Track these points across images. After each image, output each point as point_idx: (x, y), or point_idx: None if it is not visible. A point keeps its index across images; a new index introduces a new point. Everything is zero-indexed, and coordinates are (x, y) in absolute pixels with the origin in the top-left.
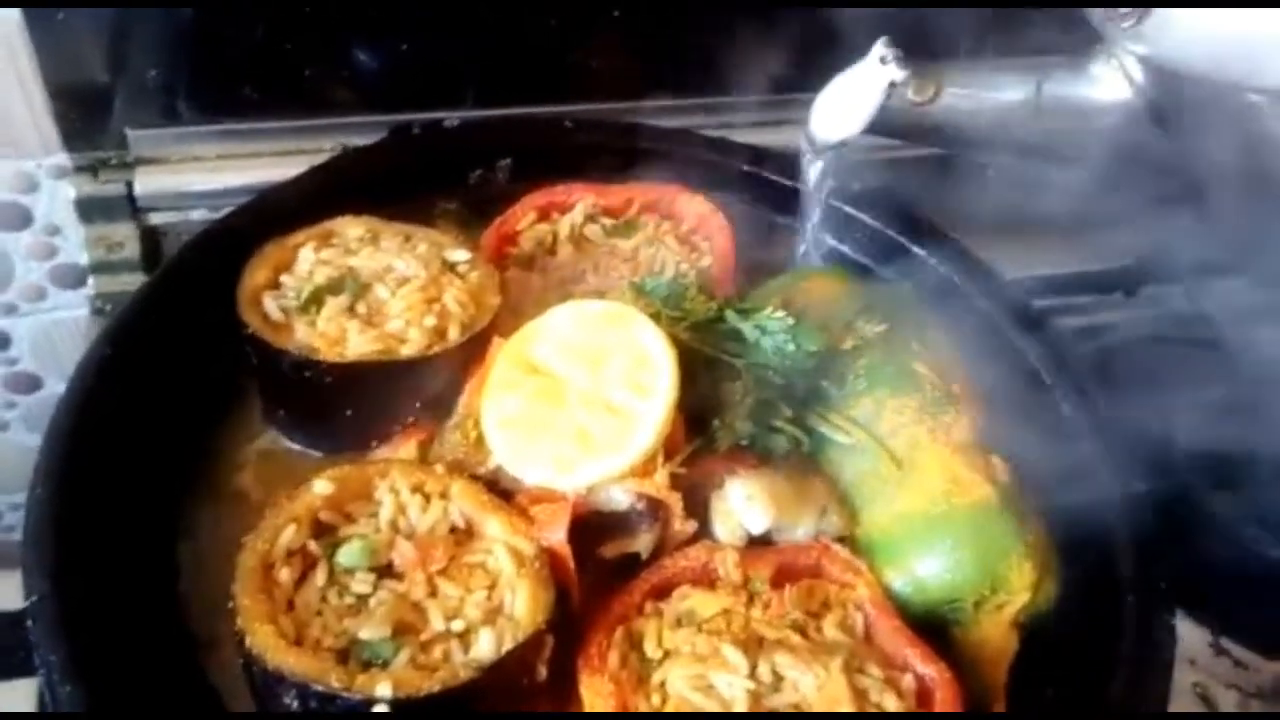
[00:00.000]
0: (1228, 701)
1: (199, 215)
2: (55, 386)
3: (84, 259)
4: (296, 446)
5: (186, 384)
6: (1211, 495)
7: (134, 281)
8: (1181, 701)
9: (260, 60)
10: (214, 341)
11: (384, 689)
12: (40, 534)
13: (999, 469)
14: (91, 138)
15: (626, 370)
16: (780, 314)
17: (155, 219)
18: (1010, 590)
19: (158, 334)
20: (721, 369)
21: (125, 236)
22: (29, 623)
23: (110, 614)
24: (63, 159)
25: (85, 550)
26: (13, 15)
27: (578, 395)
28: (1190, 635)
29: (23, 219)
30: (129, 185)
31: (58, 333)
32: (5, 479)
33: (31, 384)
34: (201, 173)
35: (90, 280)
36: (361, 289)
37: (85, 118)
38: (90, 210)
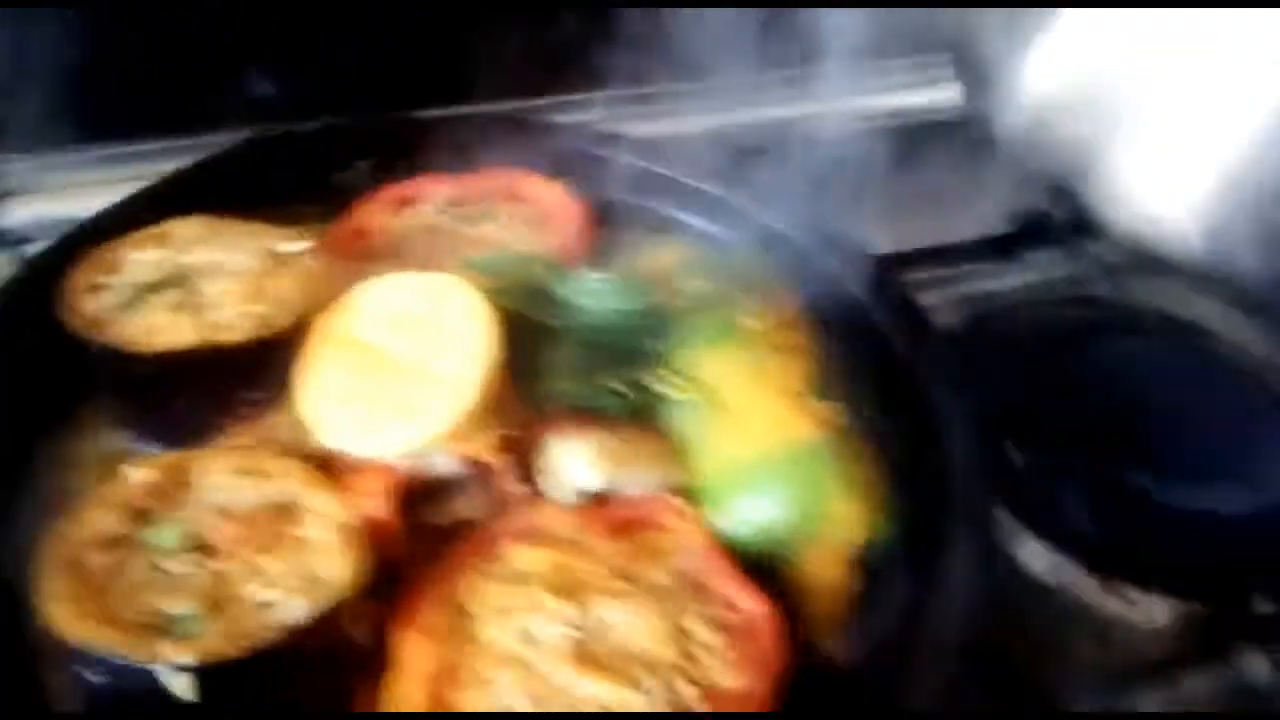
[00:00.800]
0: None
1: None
2: None
3: None
4: (139, 447)
5: (27, 396)
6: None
7: None
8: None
9: (136, 81)
10: (56, 353)
11: (186, 657)
12: None
13: (827, 412)
14: None
15: (442, 336)
16: (598, 275)
17: (32, 250)
18: (839, 528)
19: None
20: (548, 334)
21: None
22: None
23: None
24: None
25: None
26: None
27: (396, 364)
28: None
29: None
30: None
31: None
32: None
33: None
34: (79, 199)
35: None
36: (189, 284)
37: None
38: None
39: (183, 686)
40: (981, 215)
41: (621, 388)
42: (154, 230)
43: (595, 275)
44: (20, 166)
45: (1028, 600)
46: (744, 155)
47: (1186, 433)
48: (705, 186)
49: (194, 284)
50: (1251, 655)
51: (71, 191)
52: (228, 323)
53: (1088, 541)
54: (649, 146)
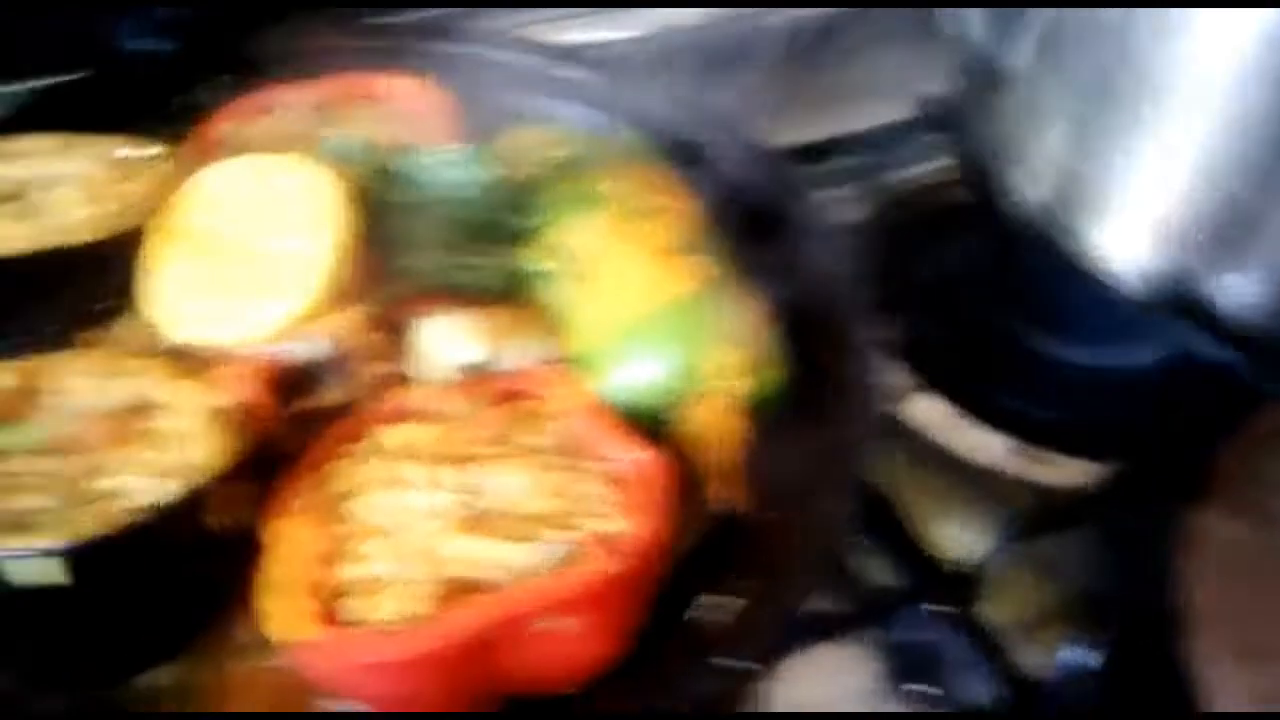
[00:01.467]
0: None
1: None
2: None
3: None
4: None
5: None
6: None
7: None
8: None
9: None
10: None
11: (39, 541)
12: None
13: (702, 266)
14: None
15: (291, 217)
16: (451, 149)
17: None
18: (723, 379)
19: None
20: (408, 212)
21: None
22: None
23: None
24: None
25: None
26: None
27: (242, 249)
28: (987, 441)
29: None
30: None
31: None
32: None
33: None
34: None
35: None
36: (19, 192)
37: None
38: None
39: (52, 571)
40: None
41: (484, 262)
42: None
43: (448, 149)
44: None
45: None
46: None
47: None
48: (565, 72)
49: (34, 195)
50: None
51: None
52: (68, 226)
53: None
54: (504, 37)
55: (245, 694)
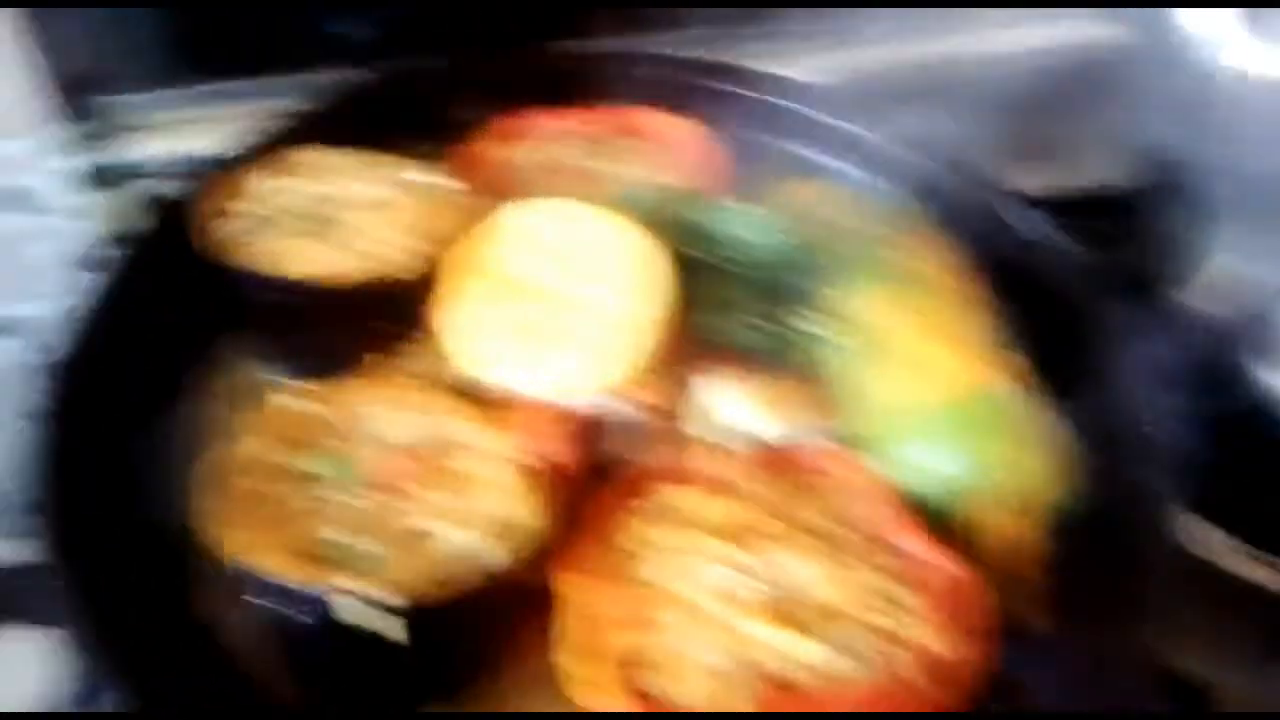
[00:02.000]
0: None
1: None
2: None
3: (86, 234)
4: (278, 378)
5: (162, 332)
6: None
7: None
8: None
9: (251, 18)
10: (191, 294)
11: (386, 597)
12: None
13: (1009, 362)
14: (85, 108)
15: (603, 269)
16: (755, 208)
17: (150, 185)
18: (1024, 486)
19: (138, 292)
20: (704, 271)
21: (124, 205)
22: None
23: (106, 558)
24: (58, 132)
25: (76, 496)
26: None
27: (553, 297)
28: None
29: (24, 200)
30: (123, 153)
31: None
32: None
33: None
34: (194, 136)
35: (97, 255)
36: (321, 212)
37: (78, 88)
38: (89, 182)
39: (391, 627)
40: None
41: (776, 328)
42: (276, 157)
43: (748, 209)
44: (133, 102)
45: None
46: (886, 95)
47: None
48: (846, 126)
49: (327, 212)
50: None
51: (182, 128)
52: (371, 254)
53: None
54: (782, 82)
55: None
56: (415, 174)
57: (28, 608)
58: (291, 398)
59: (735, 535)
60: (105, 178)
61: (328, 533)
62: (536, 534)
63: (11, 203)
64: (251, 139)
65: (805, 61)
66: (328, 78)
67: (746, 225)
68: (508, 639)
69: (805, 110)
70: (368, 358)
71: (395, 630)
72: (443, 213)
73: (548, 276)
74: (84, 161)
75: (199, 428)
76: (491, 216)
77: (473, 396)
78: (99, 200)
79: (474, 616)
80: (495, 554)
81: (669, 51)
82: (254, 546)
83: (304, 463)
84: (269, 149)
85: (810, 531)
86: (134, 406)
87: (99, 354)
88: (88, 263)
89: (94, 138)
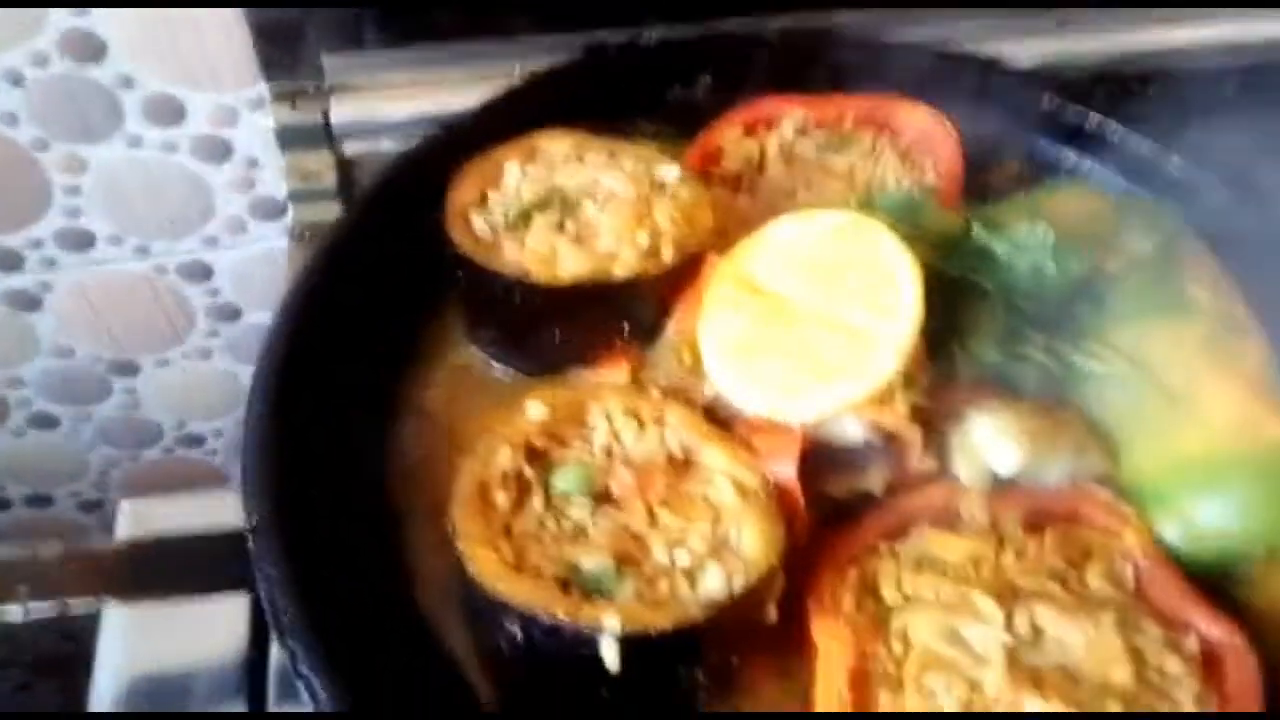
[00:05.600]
0: None
1: (389, 144)
2: (254, 315)
3: (282, 190)
4: (496, 367)
5: (388, 307)
6: None
7: (331, 210)
8: None
9: None
10: (414, 264)
11: (612, 622)
12: (258, 454)
13: None
14: (288, 67)
15: (864, 287)
16: (1039, 230)
17: (349, 147)
18: None
19: (361, 258)
20: (965, 291)
21: (322, 166)
22: (249, 542)
23: (323, 533)
24: (261, 90)
25: (298, 468)
26: None
27: (808, 316)
28: None
29: (223, 152)
30: (325, 114)
31: (257, 264)
32: (211, 404)
33: (233, 314)
34: (393, 100)
35: (289, 210)
36: (570, 206)
37: (281, 47)
38: (288, 140)
39: (607, 652)
40: None
41: (1047, 360)
42: (522, 143)
43: (1027, 227)
44: (339, 66)
45: None
46: (1138, 86)
47: None
48: (1105, 124)
49: (575, 206)
50: None
51: (387, 91)
52: (615, 252)
53: None
54: (1031, 75)
55: None
56: (659, 166)
57: (244, 575)
58: (538, 404)
59: (997, 590)
60: (308, 136)
61: (564, 553)
62: (766, 565)
63: (212, 153)
64: (478, 114)
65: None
66: (535, 43)
67: (1027, 246)
68: (738, 675)
69: (1051, 104)
70: (599, 360)
71: (610, 656)
72: (679, 210)
73: (809, 294)
74: (288, 119)
75: (414, 416)
76: (757, 230)
77: (714, 415)
78: (301, 158)
79: (690, 645)
80: (714, 580)
81: (916, 40)
82: (516, 575)
83: (546, 477)
84: (494, 126)
85: (1077, 591)
86: (358, 387)
87: (318, 325)
88: (284, 217)
89: (300, 96)
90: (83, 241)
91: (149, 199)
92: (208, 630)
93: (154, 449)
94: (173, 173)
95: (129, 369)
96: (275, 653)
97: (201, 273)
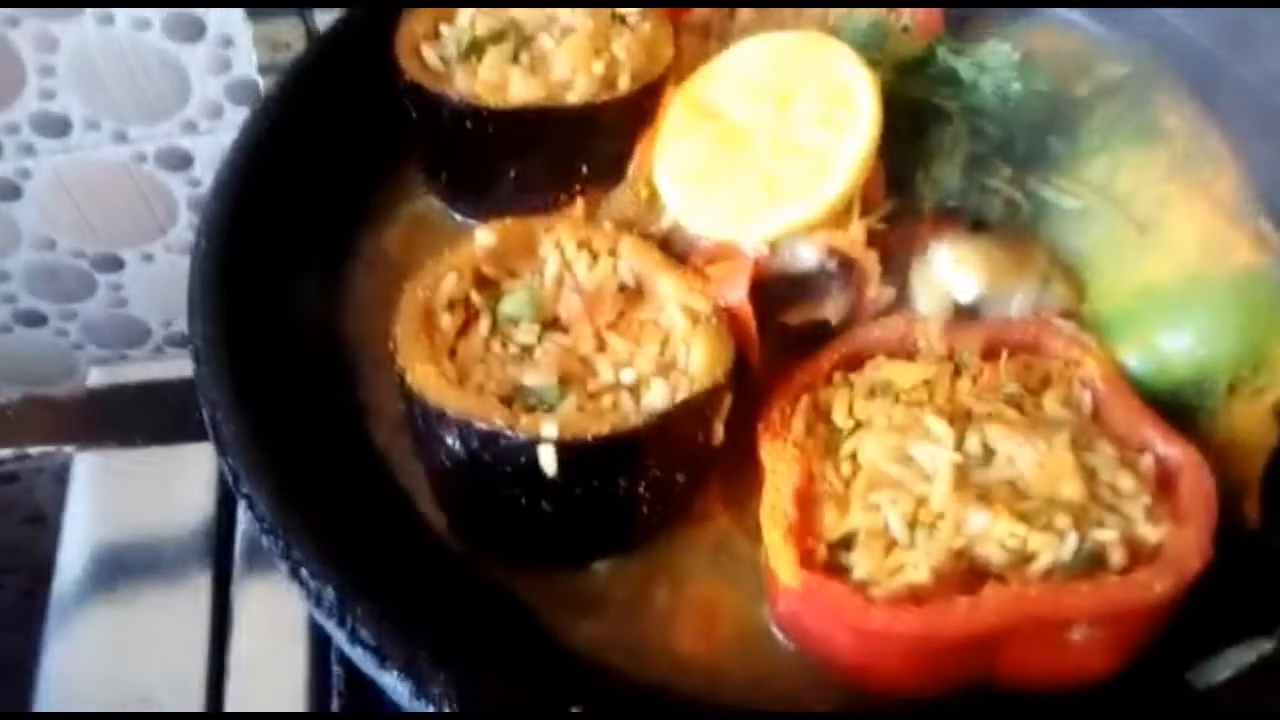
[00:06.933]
0: None
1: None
2: None
3: (255, 68)
4: (455, 216)
5: (345, 150)
6: None
7: None
8: None
9: None
10: (372, 109)
11: (549, 429)
12: (205, 282)
13: (1267, 233)
14: None
15: (820, 105)
16: (1005, 49)
17: (321, 18)
18: (1273, 371)
19: (317, 100)
20: (930, 116)
21: (293, 36)
22: (194, 366)
23: (269, 360)
24: None
25: (244, 298)
26: None
27: (763, 137)
28: None
29: (196, 30)
30: None
31: None
32: None
33: None
34: None
35: (261, 84)
36: (525, 39)
37: None
38: (258, 10)
39: (545, 459)
40: None
41: (1011, 189)
42: None
43: (992, 44)
44: None
45: None
46: None
47: None
48: None
49: (530, 39)
50: None
51: None
52: (569, 82)
53: None
54: None
55: (694, 590)
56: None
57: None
58: (487, 233)
59: (953, 413)
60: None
61: (508, 372)
62: (709, 380)
63: (185, 32)
64: None
65: None
66: None
67: (995, 72)
68: (684, 495)
69: None
70: (560, 194)
71: (546, 462)
72: (638, 42)
73: (765, 116)
74: None
75: (374, 254)
76: (713, 57)
77: (661, 240)
78: (272, 28)
79: (630, 456)
80: (657, 393)
81: None
82: (447, 385)
83: (501, 303)
84: None
85: (1036, 418)
86: (313, 228)
87: (275, 172)
88: (258, 93)
89: None
90: (60, 126)
91: (124, 80)
92: (175, 486)
93: (143, 349)
94: (146, 52)
95: (113, 263)
96: (242, 515)
97: (181, 160)
